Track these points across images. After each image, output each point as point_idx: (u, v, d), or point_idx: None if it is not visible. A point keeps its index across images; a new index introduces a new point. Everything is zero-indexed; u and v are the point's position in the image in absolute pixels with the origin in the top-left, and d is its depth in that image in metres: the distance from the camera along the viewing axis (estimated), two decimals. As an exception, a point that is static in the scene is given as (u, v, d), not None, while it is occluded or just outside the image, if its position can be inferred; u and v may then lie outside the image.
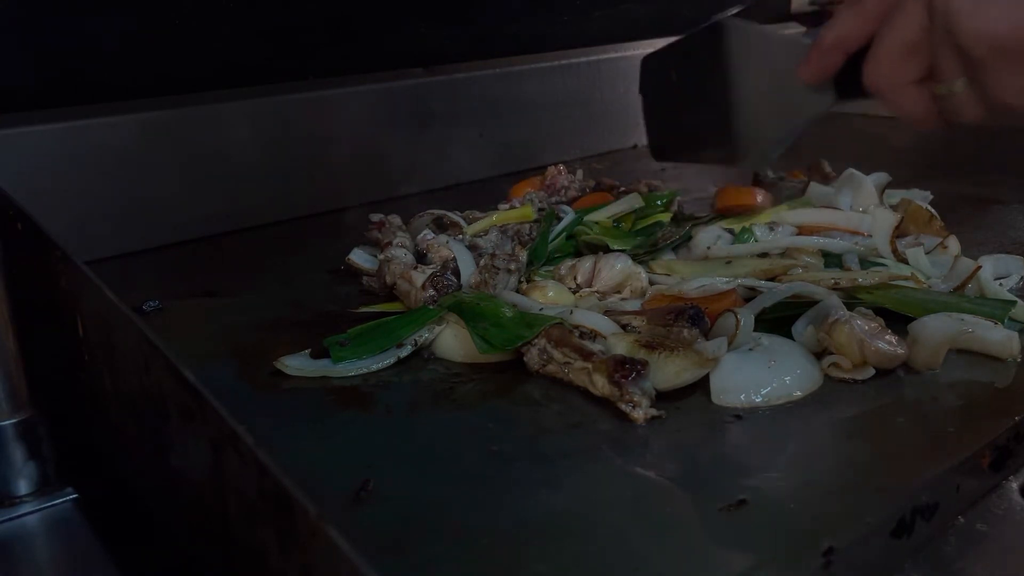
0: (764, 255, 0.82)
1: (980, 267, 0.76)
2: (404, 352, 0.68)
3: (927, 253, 0.80)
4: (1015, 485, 0.56)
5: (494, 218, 0.91)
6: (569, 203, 1.00)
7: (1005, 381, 0.63)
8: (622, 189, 1.08)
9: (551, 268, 0.82)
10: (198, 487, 0.48)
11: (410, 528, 0.49)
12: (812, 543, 0.45)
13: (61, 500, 0.61)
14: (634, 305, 0.73)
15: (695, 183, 1.08)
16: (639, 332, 0.67)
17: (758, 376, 0.61)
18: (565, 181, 1.03)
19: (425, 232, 0.87)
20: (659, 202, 0.96)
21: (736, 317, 0.65)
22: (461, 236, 0.88)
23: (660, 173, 1.19)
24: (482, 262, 0.78)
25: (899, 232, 0.82)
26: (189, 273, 0.90)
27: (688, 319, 0.65)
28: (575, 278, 0.78)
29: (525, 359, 0.66)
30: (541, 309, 0.71)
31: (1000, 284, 0.76)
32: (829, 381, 0.63)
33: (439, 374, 0.67)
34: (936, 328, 0.65)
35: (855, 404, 0.61)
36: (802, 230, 0.88)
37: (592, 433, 0.58)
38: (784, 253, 0.82)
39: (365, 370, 0.67)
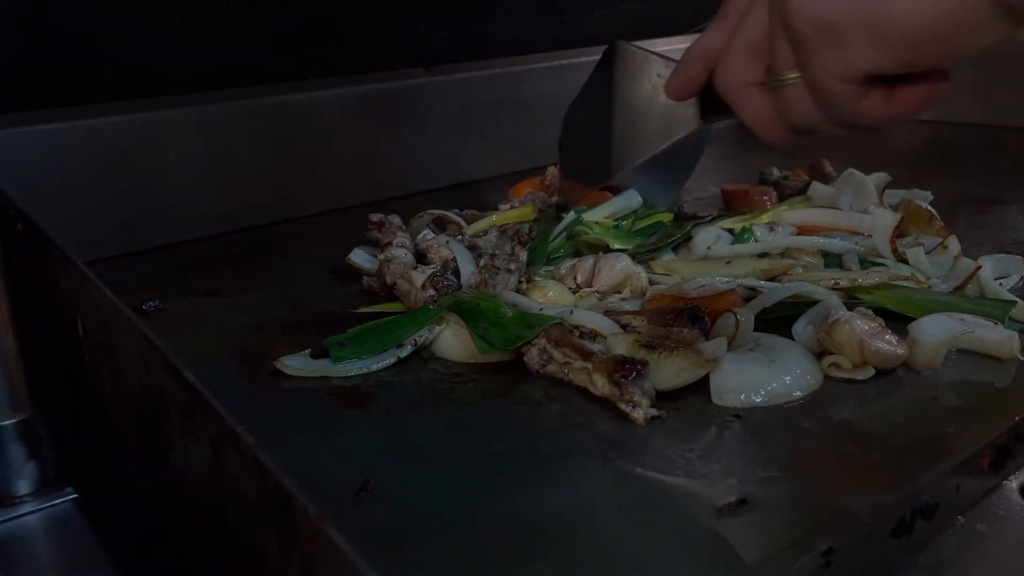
0: (764, 255, 0.82)
1: (980, 267, 0.76)
2: (404, 352, 0.68)
3: (927, 253, 0.80)
4: (1015, 485, 0.56)
5: (494, 218, 0.91)
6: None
7: (1005, 381, 0.63)
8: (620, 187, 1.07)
9: (551, 268, 0.82)
10: (198, 487, 0.48)
11: (410, 528, 0.49)
12: (812, 543, 0.45)
13: (61, 500, 0.61)
14: (634, 305, 0.73)
15: (695, 183, 1.08)
16: (639, 332, 0.67)
17: (758, 376, 0.61)
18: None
19: (425, 232, 0.87)
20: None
21: (736, 317, 0.65)
22: (461, 236, 0.88)
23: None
24: (482, 262, 0.78)
25: (899, 232, 0.82)
26: (189, 273, 0.90)
27: (688, 319, 0.65)
28: (575, 278, 0.78)
29: (525, 359, 0.66)
30: (541, 309, 0.71)
31: (1000, 284, 0.76)
32: (829, 381, 0.63)
33: (439, 374, 0.67)
34: (936, 328, 0.65)
35: (855, 404, 0.61)
36: (802, 230, 0.88)
37: (592, 433, 0.58)
38: (784, 253, 0.82)
39: (365, 370, 0.67)
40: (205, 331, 0.76)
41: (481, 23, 1.27)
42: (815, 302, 0.69)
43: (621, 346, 0.65)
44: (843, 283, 0.73)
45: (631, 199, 0.95)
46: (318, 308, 0.80)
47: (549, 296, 0.75)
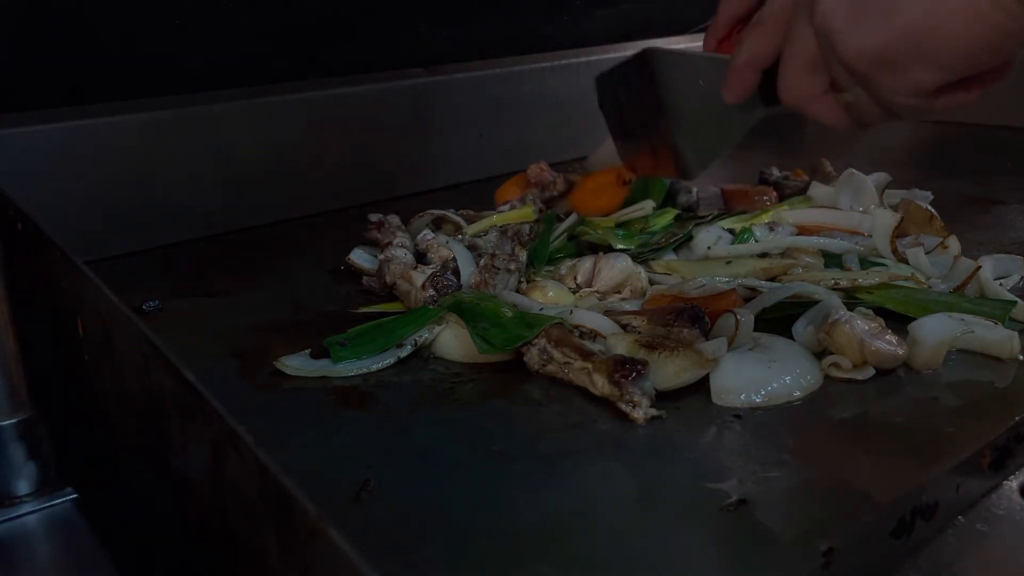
0: (764, 255, 0.82)
1: (980, 267, 0.76)
2: (404, 352, 0.68)
3: (927, 253, 0.80)
4: (1015, 485, 0.56)
5: (494, 218, 0.91)
6: (558, 198, 1.01)
7: (1005, 381, 0.63)
8: (627, 181, 1.07)
9: (551, 268, 0.82)
10: (198, 487, 0.48)
11: (410, 528, 0.49)
12: (812, 543, 0.45)
13: (61, 500, 0.61)
14: (634, 305, 0.73)
15: (697, 183, 1.08)
16: (639, 332, 0.67)
17: (758, 376, 0.61)
18: (550, 176, 1.03)
19: (425, 232, 0.87)
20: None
21: (736, 317, 0.65)
22: (461, 236, 0.88)
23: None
24: (482, 262, 0.78)
25: (899, 232, 0.82)
26: (189, 273, 0.90)
27: (688, 319, 0.65)
28: (575, 278, 0.78)
29: (525, 359, 0.66)
30: (541, 309, 0.71)
31: (1000, 284, 0.76)
32: (829, 381, 0.63)
33: (439, 374, 0.67)
34: (936, 328, 0.65)
35: (855, 404, 0.61)
36: (802, 230, 0.88)
37: (592, 433, 0.58)
38: (784, 253, 0.82)
39: (365, 370, 0.67)
40: (205, 331, 0.76)
41: (481, 23, 1.27)
42: (815, 302, 0.69)
43: (621, 346, 0.65)
44: (843, 283, 0.73)
45: (643, 205, 0.95)
46: (318, 308, 0.80)
47: (549, 296, 0.75)
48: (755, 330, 0.66)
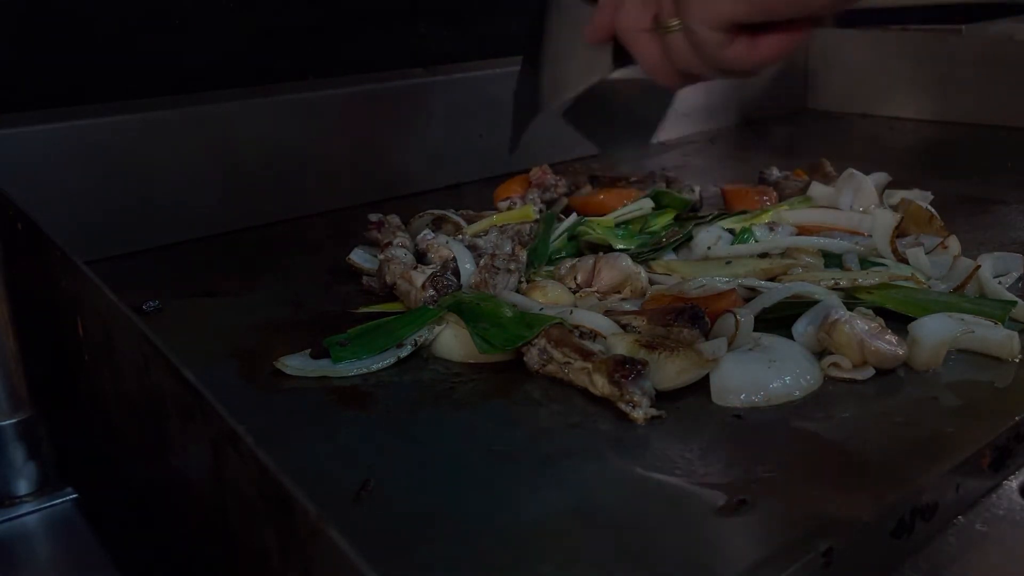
0: (764, 255, 0.82)
1: (979, 267, 0.76)
2: (404, 352, 0.68)
3: (927, 253, 0.80)
4: (1015, 485, 0.56)
5: (494, 218, 0.91)
6: (559, 199, 1.01)
7: (1005, 381, 0.63)
8: (633, 179, 1.07)
9: (551, 268, 0.82)
10: (198, 487, 0.48)
11: (410, 528, 0.49)
12: (812, 543, 0.45)
13: (61, 500, 0.61)
14: (634, 305, 0.73)
15: (697, 183, 1.08)
16: (639, 332, 0.67)
17: (758, 376, 0.61)
18: (552, 179, 1.03)
19: (425, 232, 0.87)
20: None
21: (736, 317, 0.65)
22: (461, 236, 0.88)
23: (662, 168, 1.19)
24: (482, 262, 0.78)
25: (899, 232, 0.82)
26: (189, 273, 0.90)
27: (688, 319, 0.65)
28: (575, 278, 0.78)
29: (525, 359, 0.66)
30: (541, 309, 0.71)
31: (1000, 284, 0.76)
32: (829, 381, 0.63)
33: (439, 374, 0.67)
34: (936, 328, 0.65)
35: (855, 404, 0.61)
36: (802, 230, 0.88)
37: (592, 433, 0.58)
38: (784, 253, 0.82)
39: (365, 370, 0.67)
40: (205, 331, 0.76)
41: (481, 23, 1.27)
42: (815, 302, 0.69)
43: (621, 346, 0.65)
44: (843, 283, 0.73)
45: (642, 203, 0.95)
46: (318, 308, 0.80)
47: (549, 296, 0.75)
48: (755, 330, 0.66)
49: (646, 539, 0.48)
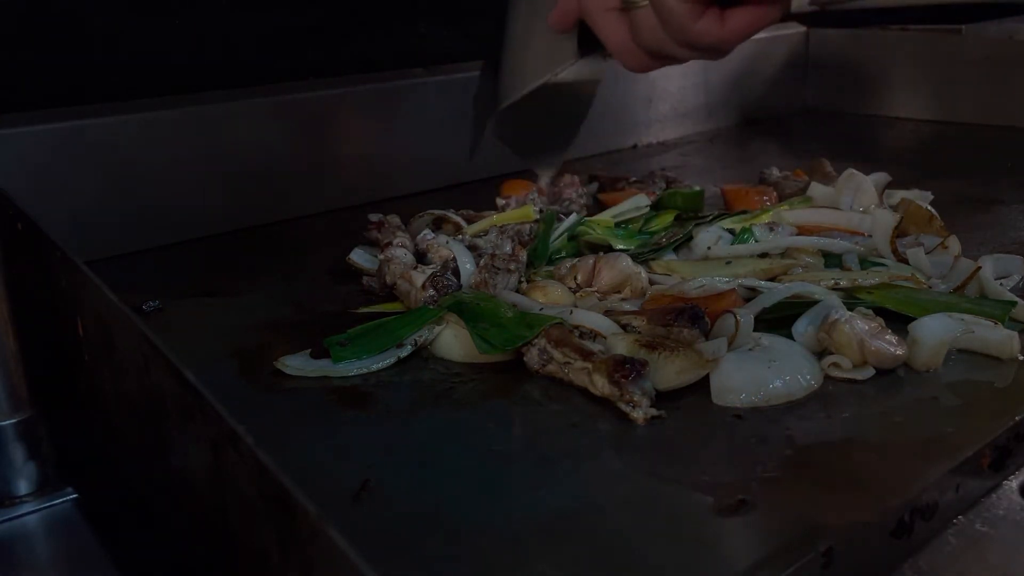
0: (764, 255, 0.82)
1: (980, 267, 0.76)
2: (404, 352, 0.68)
3: (927, 253, 0.80)
4: (1015, 485, 0.56)
5: (494, 218, 0.91)
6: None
7: (1005, 381, 0.63)
8: (633, 180, 1.07)
9: (551, 268, 0.82)
10: (198, 487, 0.48)
11: (410, 528, 0.49)
12: (812, 543, 0.45)
13: (61, 500, 0.61)
14: (634, 305, 0.73)
15: (697, 183, 1.08)
16: (639, 332, 0.67)
17: (758, 376, 0.61)
18: (573, 194, 1.01)
19: (425, 232, 0.87)
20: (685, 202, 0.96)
21: (736, 318, 0.65)
22: (461, 236, 0.88)
23: (662, 168, 1.19)
24: (482, 262, 0.78)
25: (899, 232, 0.82)
26: (189, 273, 0.90)
27: (688, 319, 0.65)
28: (575, 278, 0.78)
29: (525, 359, 0.66)
30: (541, 309, 0.71)
31: (1000, 284, 0.76)
32: (829, 381, 0.63)
33: (439, 374, 0.67)
34: (936, 328, 0.65)
35: (855, 404, 0.61)
36: (802, 230, 0.88)
37: (592, 433, 0.58)
38: (784, 253, 0.82)
39: (365, 370, 0.67)
40: (205, 331, 0.76)
41: (481, 23, 1.27)
42: (815, 302, 0.69)
43: (621, 346, 0.65)
44: (843, 283, 0.73)
45: (637, 200, 0.95)
46: (318, 308, 0.80)
47: (549, 296, 0.75)
48: (755, 330, 0.66)
49: (646, 539, 0.48)
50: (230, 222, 1.02)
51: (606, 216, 0.94)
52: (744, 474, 0.53)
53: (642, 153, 1.39)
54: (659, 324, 0.66)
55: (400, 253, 0.81)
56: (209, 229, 1.00)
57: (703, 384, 0.62)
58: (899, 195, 0.95)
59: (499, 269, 0.76)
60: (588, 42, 0.64)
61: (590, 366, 0.61)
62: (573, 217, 0.91)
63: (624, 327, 0.69)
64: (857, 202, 0.93)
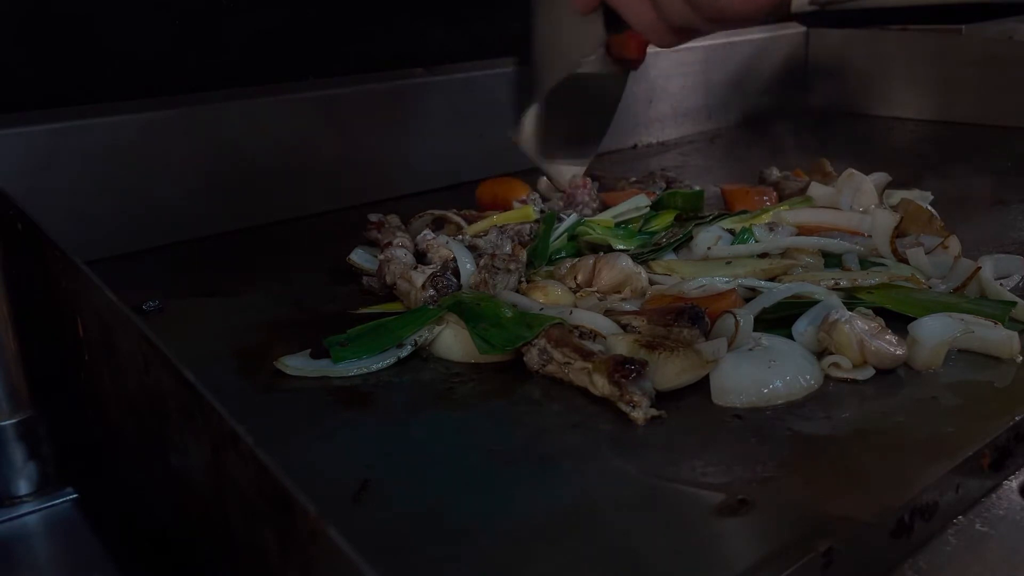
0: (764, 255, 0.82)
1: (980, 267, 0.76)
2: (404, 352, 0.68)
3: (927, 253, 0.80)
4: (1015, 485, 0.56)
5: (494, 218, 0.91)
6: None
7: (1005, 381, 0.63)
8: (633, 180, 1.07)
9: (551, 268, 0.82)
10: (198, 487, 0.48)
11: (410, 528, 0.49)
12: (812, 543, 0.45)
13: (61, 500, 0.61)
14: (634, 305, 0.73)
15: (697, 183, 1.08)
16: (639, 332, 0.67)
17: (758, 376, 0.61)
18: (585, 196, 1.00)
19: (425, 232, 0.87)
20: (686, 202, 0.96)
21: (736, 318, 0.65)
22: (461, 236, 0.88)
23: (661, 168, 1.19)
24: (482, 262, 0.78)
25: (899, 232, 0.82)
26: (189, 273, 0.90)
27: (688, 319, 0.65)
28: (575, 278, 0.78)
29: (525, 359, 0.66)
30: (541, 309, 0.71)
31: (1001, 284, 0.76)
32: (829, 381, 0.63)
33: (439, 374, 0.67)
34: (936, 328, 0.65)
35: (855, 404, 0.61)
36: (802, 230, 0.88)
37: (592, 433, 0.58)
38: (784, 253, 0.82)
39: (365, 370, 0.67)
40: (205, 331, 0.76)
41: (481, 23, 1.27)
42: (815, 302, 0.69)
43: (621, 346, 0.65)
44: (843, 283, 0.73)
45: (637, 200, 0.95)
46: (318, 308, 0.80)
47: (549, 296, 0.75)
48: (755, 330, 0.66)
49: (646, 539, 0.48)
50: (230, 222, 1.02)
51: (606, 216, 0.94)
52: (744, 474, 0.53)
53: (642, 153, 1.39)
54: (659, 324, 0.66)
55: (400, 253, 0.81)
56: (209, 229, 1.00)
57: (703, 384, 0.62)
58: (899, 195, 0.95)
59: (499, 269, 0.76)
60: (614, 22, 0.63)
61: (590, 366, 0.61)
62: (573, 217, 0.91)
63: (624, 327, 0.69)
64: (857, 202, 0.93)
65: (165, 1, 1.00)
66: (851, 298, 0.72)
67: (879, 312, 0.69)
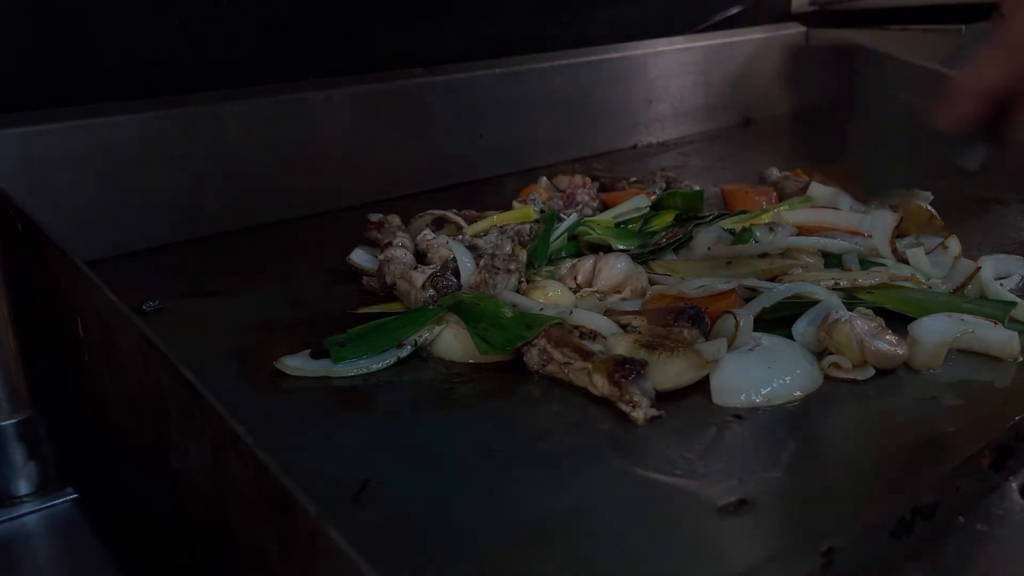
0: (764, 255, 0.82)
1: (980, 267, 0.76)
2: (404, 352, 0.68)
3: (927, 253, 0.80)
4: (1015, 485, 0.56)
5: (494, 218, 0.91)
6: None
7: (1005, 381, 0.63)
8: (633, 180, 1.07)
9: (551, 268, 0.82)
10: (198, 487, 0.48)
11: (410, 528, 0.49)
12: (812, 543, 0.45)
13: (61, 500, 0.61)
14: (634, 305, 0.73)
15: (697, 183, 1.08)
16: (639, 332, 0.67)
17: (758, 376, 0.61)
18: (585, 196, 1.00)
19: (425, 232, 0.87)
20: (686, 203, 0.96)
21: (735, 318, 0.65)
22: (461, 236, 0.88)
23: (661, 168, 1.19)
24: (482, 262, 0.78)
25: (899, 232, 0.82)
26: (189, 273, 0.90)
27: (688, 319, 0.65)
28: (575, 278, 0.78)
29: (525, 359, 0.66)
30: (541, 309, 0.71)
31: (1000, 284, 0.76)
32: (829, 381, 0.63)
33: (439, 374, 0.67)
34: (936, 328, 0.65)
35: (855, 404, 0.61)
36: (802, 230, 0.88)
37: (592, 433, 0.58)
38: (784, 253, 0.82)
39: (365, 370, 0.67)
40: (205, 331, 0.76)
41: (481, 23, 1.27)
42: (815, 302, 0.69)
43: (621, 346, 0.65)
44: (843, 283, 0.73)
45: (637, 201, 0.95)
46: (318, 308, 0.80)
47: (549, 296, 0.75)
48: (755, 330, 0.66)
49: (646, 539, 0.47)
50: (230, 222, 1.02)
51: (606, 216, 0.94)
52: (744, 474, 0.53)
53: (642, 153, 1.39)
54: (659, 324, 0.66)
55: (400, 253, 0.81)
56: (209, 229, 1.00)
57: (703, 384, 0.62)
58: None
59: (499, 269, 0.76)
60: (994, 138, 0.52)
61: (590, 366, 0.61)
62: (573, 217, 0.91)
63: (624, 327, 0.69)
64: (857, 202, 0.93)
65: (165, 1, 1.00)
66: (851, 298, 0.72)
67: (879, 312, 0.69)
